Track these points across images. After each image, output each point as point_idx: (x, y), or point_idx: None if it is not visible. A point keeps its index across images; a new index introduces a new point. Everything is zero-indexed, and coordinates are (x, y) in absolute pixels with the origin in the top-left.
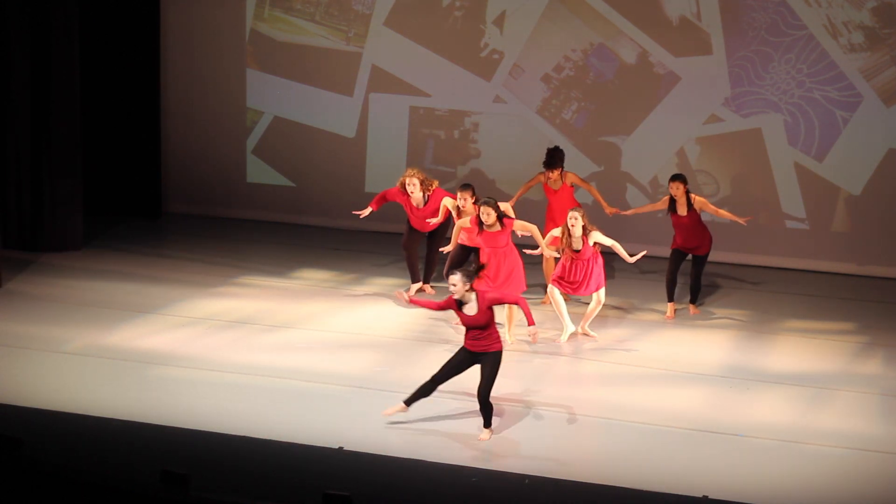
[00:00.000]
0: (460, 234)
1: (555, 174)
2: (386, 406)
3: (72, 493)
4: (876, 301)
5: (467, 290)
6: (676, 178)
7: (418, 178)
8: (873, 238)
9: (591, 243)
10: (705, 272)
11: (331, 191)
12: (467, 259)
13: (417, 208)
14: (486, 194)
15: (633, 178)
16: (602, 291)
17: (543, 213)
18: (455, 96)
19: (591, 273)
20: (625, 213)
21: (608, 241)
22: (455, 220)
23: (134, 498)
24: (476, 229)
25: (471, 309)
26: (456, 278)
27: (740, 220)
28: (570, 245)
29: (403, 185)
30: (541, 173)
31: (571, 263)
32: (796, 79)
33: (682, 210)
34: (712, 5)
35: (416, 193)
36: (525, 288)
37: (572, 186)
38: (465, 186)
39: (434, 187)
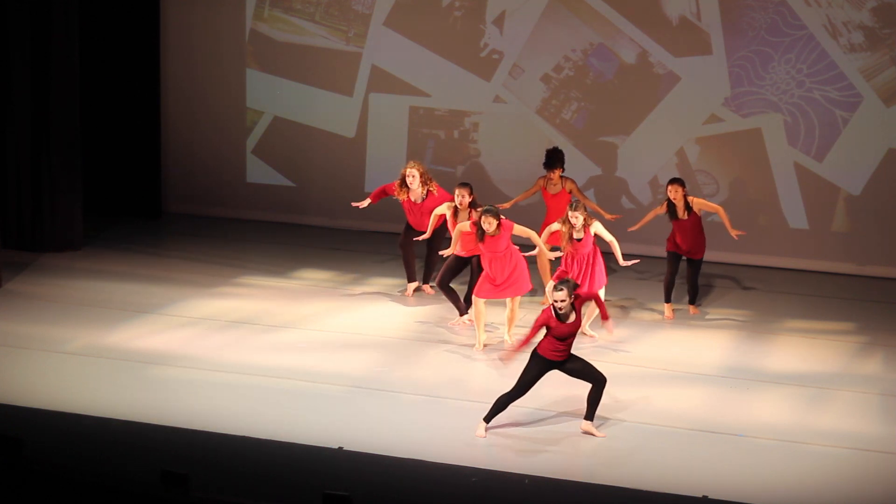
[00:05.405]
0: (459, 241)
1: (555, 175)
2: (386, 406)
3: (72, 493)
4: (876, 301)
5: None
6: (675, 181)
7: (419, 170)
8: (873, 238)
9: (592, 233)
10: (705, 272)
11: (331, 191)
12: (464, 268)
13: (416, 204)
14: (485, 194)
15: (633, 178)
16: (602, 291)
17: (537, 216)
18: (455, 96)
19: (591, 271)
20: (631, 229)
21: (608, 237)
22: (451, 222)
23: (134, 498)
24: (475, 236)
25: (570, 317)
26: (563, 294)
27: (732, 232)
28: (570, 235)
29: (404, 178)
30: (542, 178)
31: (572, 259)
32: (796, 79)
33: (682, 214)
34: (712, 5)
35: (415, 185)
36: (531, 287)
37: (570, 193)
38: (464, 184)
39: (434, 186)
